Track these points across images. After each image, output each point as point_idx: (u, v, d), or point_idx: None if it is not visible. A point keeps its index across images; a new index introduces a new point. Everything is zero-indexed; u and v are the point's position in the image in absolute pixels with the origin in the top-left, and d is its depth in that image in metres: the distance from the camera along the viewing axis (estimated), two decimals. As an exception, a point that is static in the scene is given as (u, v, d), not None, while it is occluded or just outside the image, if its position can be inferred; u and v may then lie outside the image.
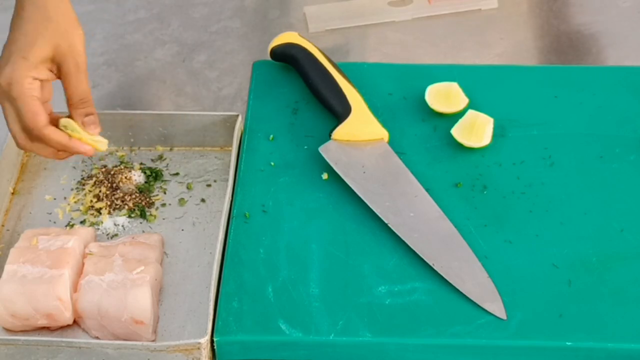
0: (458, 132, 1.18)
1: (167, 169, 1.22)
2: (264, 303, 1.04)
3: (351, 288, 1.05)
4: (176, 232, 1.16)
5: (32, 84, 1.01)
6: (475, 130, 1.18)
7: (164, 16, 1.47)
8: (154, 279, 1.06)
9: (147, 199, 1.18)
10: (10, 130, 1.03)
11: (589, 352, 1.01)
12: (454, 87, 1.22)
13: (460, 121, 1.19)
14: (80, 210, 1.17)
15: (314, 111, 1.23)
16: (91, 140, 1.05)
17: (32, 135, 1.03)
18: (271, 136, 1.21)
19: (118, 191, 1.18)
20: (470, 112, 1.19)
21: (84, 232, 1.11)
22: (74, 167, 1.22)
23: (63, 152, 1.06)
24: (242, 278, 1.06)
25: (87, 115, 1.05)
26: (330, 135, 1.18)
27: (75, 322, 1.06)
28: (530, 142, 1.19)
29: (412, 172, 1.15)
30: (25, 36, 1.02)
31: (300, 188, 1.15)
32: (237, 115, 1.21)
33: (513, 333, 1.01)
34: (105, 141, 1.07)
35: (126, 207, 1.17)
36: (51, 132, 1.03)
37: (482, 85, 1.25)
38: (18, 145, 1.05)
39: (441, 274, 1.06)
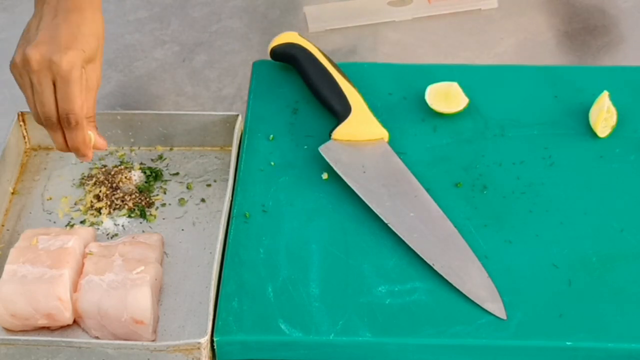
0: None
1: (167, 169, 1.22)
2: (264, 303, 1.04)
3: (351, 288, 1.05)
4: (176, 232, 1.16)
5: (83, 75, 1.05)
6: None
7: (164, 16, 1.47)
8: (154, 279, 1.06)
9: (147, 199, 1.18)
10: (35, 106, 1.06)
11: (589, 352, 1.01)
12: (454, 87, 1.22)
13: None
14: (80, 210, 1.17)
15: (314, 111, 1.23)
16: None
17: (53, 120, 1.06)
18: (271, 136, 1.21)
19: (118, 191, 1.18)
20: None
21: (84, 232, 1.11)
22: (74, 164, 1.22)
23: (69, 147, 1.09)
24: (242, 278, 1.06)
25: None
26: (330, 135, 1.18)
27: (75, 322, 1.06)
28: (530, 142, 1.19)
29: (412, 172, 1.15)
30: (78, 27, 1.05)
31: (300, 188, 1.15)
32: (237, 115, 1.21)
33: (513, 333, 1.01)
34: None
35: (126, 207, 1.17)
36: (84, 125, 1.07)
37: (482, 85, 1.25)
38: (42, 119, 1.07)
39: (441, 274, 1.06)
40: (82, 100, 1.05)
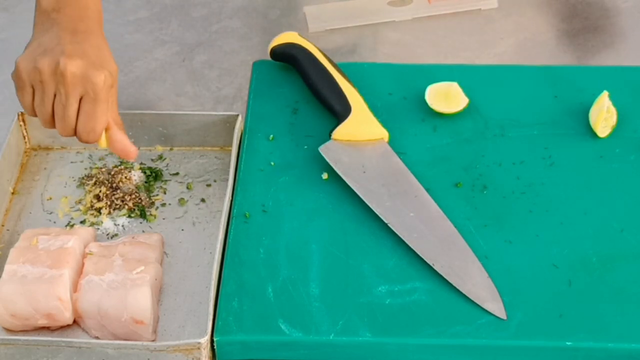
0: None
1: (167, 169, 1.22)
2: (264, 303, 1.04)
3: (351, 288, 1.05)
4: (176, 232, 1.16)
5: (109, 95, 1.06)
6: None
7: (164, 16, 1.47)
8: (154, 279, 1.06)
9: (147, 199, 1.18)
10: (44, 112, 1.05)
11: (589, 352, 1.01)
12: (454, 87, 1.22)
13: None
14: (80, 210, 1.17)
15: (314, 111, 1.23)
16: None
17: (69, 134, 1.05)
18: (271, 136, 1.21)
19: (118, 191, 1.18)
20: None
21: (84, 232, 1.11)
22: (74, 164, 1.22)
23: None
24: (242, 278, 1.06)
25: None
26: (330, 135, 1.18)
27: (75, 322, 1.06)
28: (530, 142, 1.19)
29: (412, 172, 1.15)
30: (100, 50, 1.06)
31: (300, 188, 1.15)
32: (237, 115, 1.21)
33: (513, 333, 1.01)
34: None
35: (126, 207, 1.17)
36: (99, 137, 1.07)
37: (482, 85, 1.25)
38: (60, 132, 1.06)
39: (441, 274, 1.06)
40: (105, 120, 1.05)
